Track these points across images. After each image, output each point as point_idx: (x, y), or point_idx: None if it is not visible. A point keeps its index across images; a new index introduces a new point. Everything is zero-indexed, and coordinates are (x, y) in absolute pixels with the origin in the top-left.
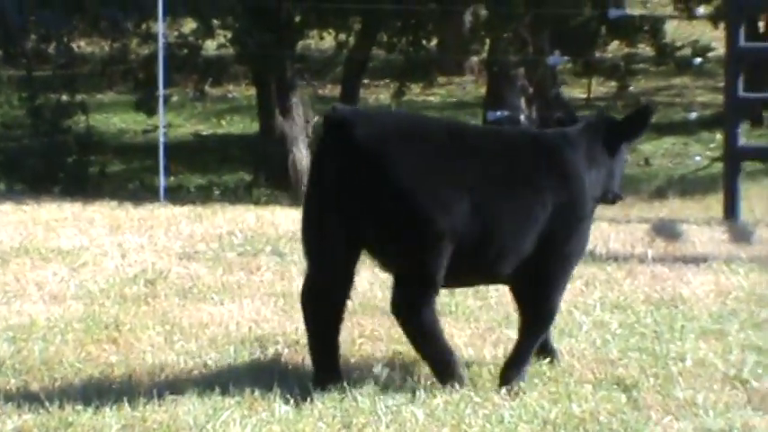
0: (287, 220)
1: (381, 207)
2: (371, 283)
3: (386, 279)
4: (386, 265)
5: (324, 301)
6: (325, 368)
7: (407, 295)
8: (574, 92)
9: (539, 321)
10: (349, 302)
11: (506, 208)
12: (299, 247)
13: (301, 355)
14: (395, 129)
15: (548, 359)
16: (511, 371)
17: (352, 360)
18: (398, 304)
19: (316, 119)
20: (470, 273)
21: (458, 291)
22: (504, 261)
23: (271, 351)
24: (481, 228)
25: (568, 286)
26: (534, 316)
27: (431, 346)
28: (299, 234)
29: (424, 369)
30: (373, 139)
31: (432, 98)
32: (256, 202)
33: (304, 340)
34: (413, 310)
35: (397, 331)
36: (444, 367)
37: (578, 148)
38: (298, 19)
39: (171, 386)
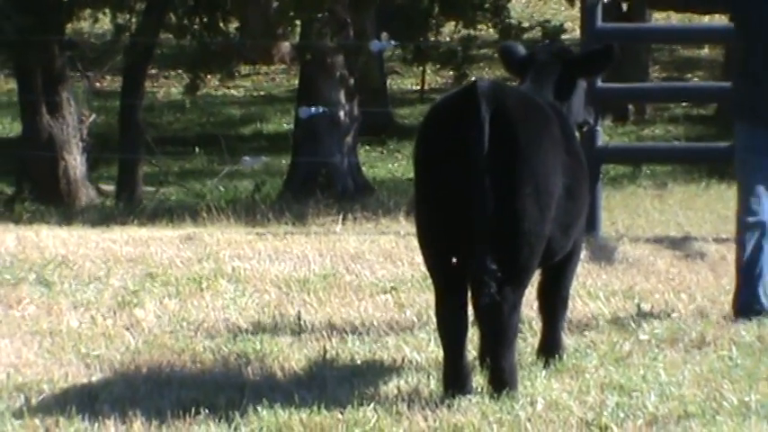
0: (56, 241)
1: (521, 183)
2: (159, 316)
3: (176, 311)
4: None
5: (464, 305)
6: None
7: (509, 288)
8: (405, 82)
9: (568, 292)
10: (132, 341)
11: (569, 184)
12: (69, 275)
13: (71, 405)
14: (534, 101)
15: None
16: (553, 348)
17: (134, 411)
18: (497, 302)
19: (92, 117)
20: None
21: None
22: (568, 239)
23: (34, 401)
24: (562, 208)
25: (396, 318)
26: (567, 288)
27: (513, 348)
28: (70, 258)
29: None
30: (524, 113)
31: (234, 92)
32: (18, 221)
33: (70, 387)
34: (513, 304)
35: (189, 374)
36: (512, 372)
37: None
38: None
39: None
